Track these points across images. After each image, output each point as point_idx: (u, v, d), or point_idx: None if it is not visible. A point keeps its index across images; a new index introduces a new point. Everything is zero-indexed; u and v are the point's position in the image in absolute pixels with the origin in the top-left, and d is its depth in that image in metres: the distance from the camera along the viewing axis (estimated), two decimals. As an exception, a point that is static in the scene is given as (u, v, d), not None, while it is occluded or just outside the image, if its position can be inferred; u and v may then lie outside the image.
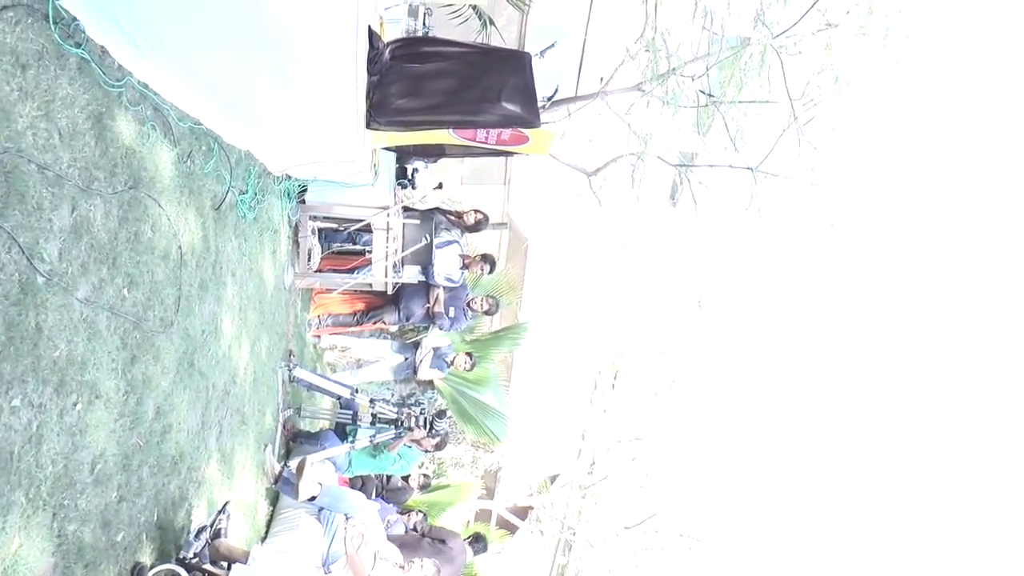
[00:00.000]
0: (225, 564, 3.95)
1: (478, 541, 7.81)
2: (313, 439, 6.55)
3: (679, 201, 13.83)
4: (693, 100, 11.63)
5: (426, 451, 7.36)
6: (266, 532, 5.65)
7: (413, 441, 6.91)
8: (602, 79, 10.42)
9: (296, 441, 6.56)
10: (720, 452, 17.78)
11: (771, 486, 20.13)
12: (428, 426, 6.73)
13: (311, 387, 6.46)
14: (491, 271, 7.64)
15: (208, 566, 3.80)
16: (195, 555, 3.77)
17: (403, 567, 7.58)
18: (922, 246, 21.54)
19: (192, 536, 3.86)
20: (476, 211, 7.59)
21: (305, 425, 6.90)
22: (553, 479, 14.11)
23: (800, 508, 21.20)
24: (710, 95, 11.51)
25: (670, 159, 12.45)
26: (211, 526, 4.08)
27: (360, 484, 7.38)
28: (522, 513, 13.78)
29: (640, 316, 14.84)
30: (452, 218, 7.42)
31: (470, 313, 7.70)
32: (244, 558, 4.10)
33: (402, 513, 8.30)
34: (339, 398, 6.70)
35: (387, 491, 8.18)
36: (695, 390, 16.58)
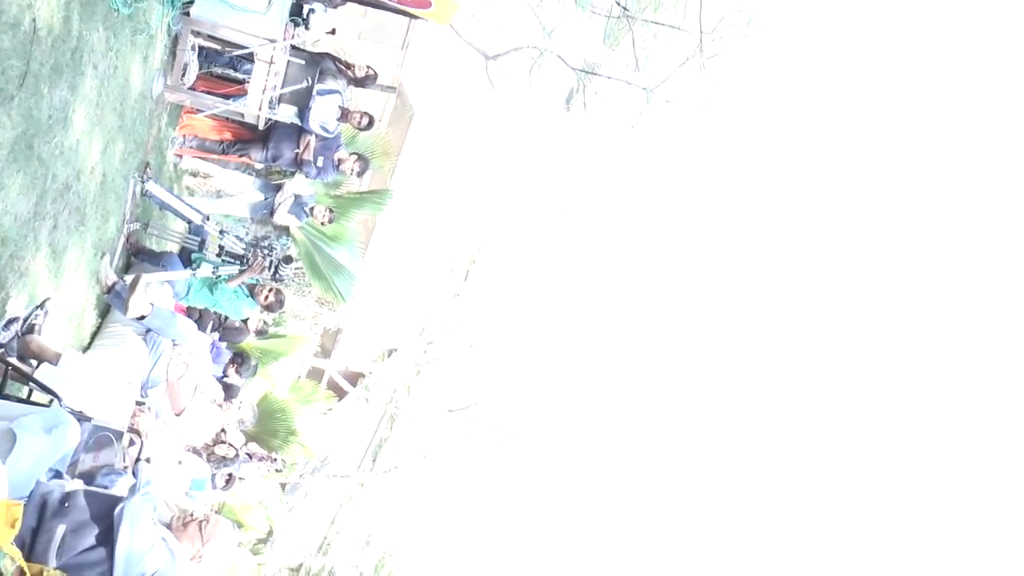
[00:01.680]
0: (34, 363, 3.80)
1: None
2: (155, 259, 6.33)
3: (573, 107, 13.85)
4: (607, 9, 11.57)
5: (261, 306, 7.26)
6: (89, 344, 5.48)
7: (250, 289, 6.83)
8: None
9: (137, 257, 6.32)
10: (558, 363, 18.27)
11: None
12: (273, 270, 6.62)
13: (163, 205, 6.21)
14: (368, 127, 7.46)
15: (13, 359, 3.64)
16: (1, 346, 3.61)
17: (221, 405, 7.56)
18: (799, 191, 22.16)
19: (2, 325, 3.69)
20: (368, 67, 7.38)
21: (150, 243, 6.65)
22: (391, 352, 14.21)
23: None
24: (625, 8, 11.46)
25: (573, 63, 12.43)
26: (25, 320, 3.89)
27: (198, 316, 7.23)
28: (353, 379, 13.86)
29: (510, 212, 14.93)
30: (341, 67, 7.18)
31: (337, 169, 7.54)
32: (55, 359, 3.95)
33: (235, 355, 8.22)
34: (190, 223, 6.48)
35: (224, 329, 8.07)
36: (543, 298, 16.92)
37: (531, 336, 16.63)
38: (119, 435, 4.03)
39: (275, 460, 9.26)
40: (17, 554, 2.92)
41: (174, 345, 5.65)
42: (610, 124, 13.68)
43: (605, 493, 21.88)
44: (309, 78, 6.80)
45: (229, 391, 7.99)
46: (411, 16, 6.91)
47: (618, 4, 11.27)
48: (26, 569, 2.95)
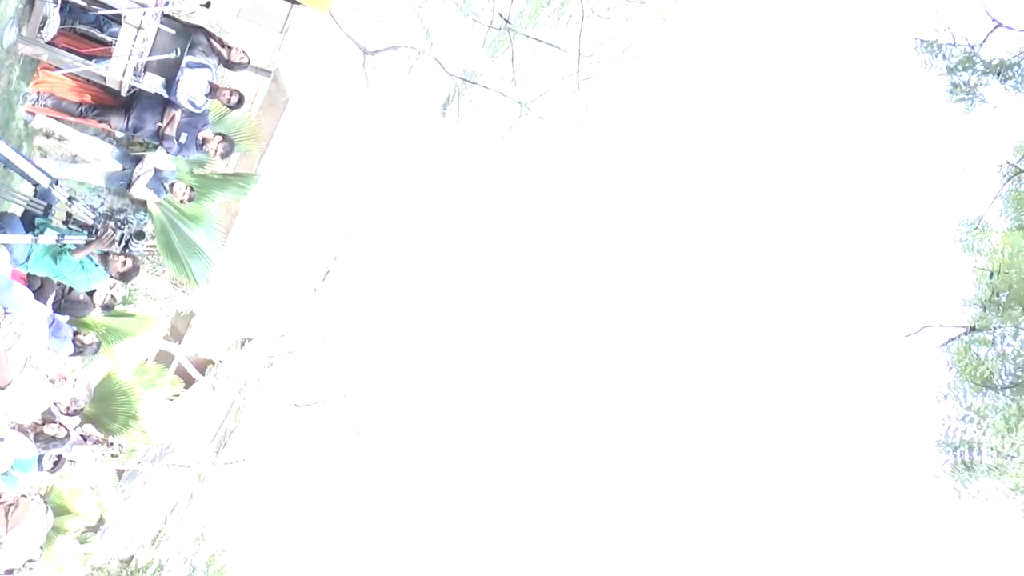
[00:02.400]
0: None
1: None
2: (-11, 220, 6.00)
3: (448, 113, 13.90)
4: (488, 19, 11.70)
5: (112, 276, 6.95)
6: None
7: (103, 260, 6.54)
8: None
9: (-28, 217, 6.00)
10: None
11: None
12: (124, 244, 6.36)
13: (7, 164, 5.88)
14: (238, 105, 7.29)
15: None
16: None
17: (54, 381, 7.22)
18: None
19: None
20: (244, 53, 7.23)
21: (-10, 202, 6.31)
22: (244, 342, 13.90)
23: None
24: (507, 20, 11.61)
25: (452, 69, 12.51)
26: None
27: (39, 286, 6.88)
28: (203, 366, 13.47)
29: (376, 210, 14.85)
30: (214, 43, 7.00)
31: (202, 147, 7.34)
32: None
33: (76, 332, 7.86)
34: (36, 185, 6.16)
35: (66, 301, 7.70)
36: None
37: (385, 336, 16.60)
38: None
39: (111, 444, 8.88)
40: None
41: (5, 313, 5.35)
42: (483, 134, 13.82)
43: (461, 490, 22.00)
44: (179, 49, 6.59)
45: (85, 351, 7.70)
46: (295, 1, 6.82)
47: (500, 16, 11.40)
48: None
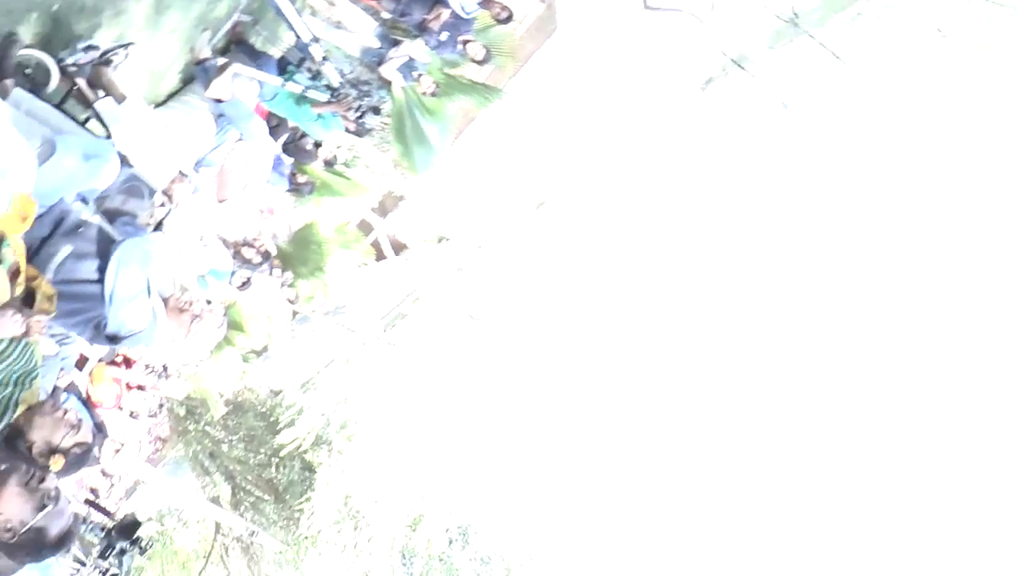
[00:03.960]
0: (101, 93, 3.93)
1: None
2: (253, 56, 6.48)
3: (707, 90, 13.66)
4: (778, 8, 11.37)
5: (347, 130, 7.40)
6: (162, 104, 5.67)
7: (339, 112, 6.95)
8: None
9: (237, 48, 6.49)
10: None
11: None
12: (360, 114, 6.76)
13: (279, 12, 6.33)
14: (505, 21, 7.50)
15: (81, 81, 3.76)
16: (75, 64, 3.72)
17: (263, 211, 7.80)
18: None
19: (82, 47, 3.79)
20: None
21: (255, 40, 6.81)
22: (441, 240, 14.38)
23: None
24: (796, 15, 11.25)
25: (726, 48, 12.24)
26: (105, 52, 3.97)
27: (275, 124, 7.42)
28: (398, 247, 14.08)
29: (605, 160, 14.85)
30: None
31: (459, 49, 7.61)
32: (120, 99, 4.09)
33: (293, 175, 8.45)
34: (299, 37, 6.61)
35: (294, 146, 8.26)
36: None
37: (571, 284, 16.73)
38: (152, 192, 4.23)
39: (292, 287, 9.56)
40: (20, 249, 3.13)
41: (240, 139, 5.82)
42: (735, 121, 13.53)
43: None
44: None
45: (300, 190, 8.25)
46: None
47: (792, 9, 11.06)
48: (22, 267, 3.16)
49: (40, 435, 2.96)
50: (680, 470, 23.45)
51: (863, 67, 11.38)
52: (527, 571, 18.94)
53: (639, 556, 24.41)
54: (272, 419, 14.88)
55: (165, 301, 3.75)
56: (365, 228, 12.91)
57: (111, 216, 3.86)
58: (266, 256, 8.62)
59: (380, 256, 13.41)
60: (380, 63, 7.75)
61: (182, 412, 14.24)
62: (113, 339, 3.46)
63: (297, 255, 10.26)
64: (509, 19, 7.53)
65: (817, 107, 12.59)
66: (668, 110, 14.11)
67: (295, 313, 12.24)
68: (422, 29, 7.38)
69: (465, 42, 7.53)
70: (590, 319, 18.93)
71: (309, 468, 15.18)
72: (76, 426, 3.04)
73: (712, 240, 19.61)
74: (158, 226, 4.49)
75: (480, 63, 7.92)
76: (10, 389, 3.07)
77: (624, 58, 12.58)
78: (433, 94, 8.02)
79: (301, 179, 8.34)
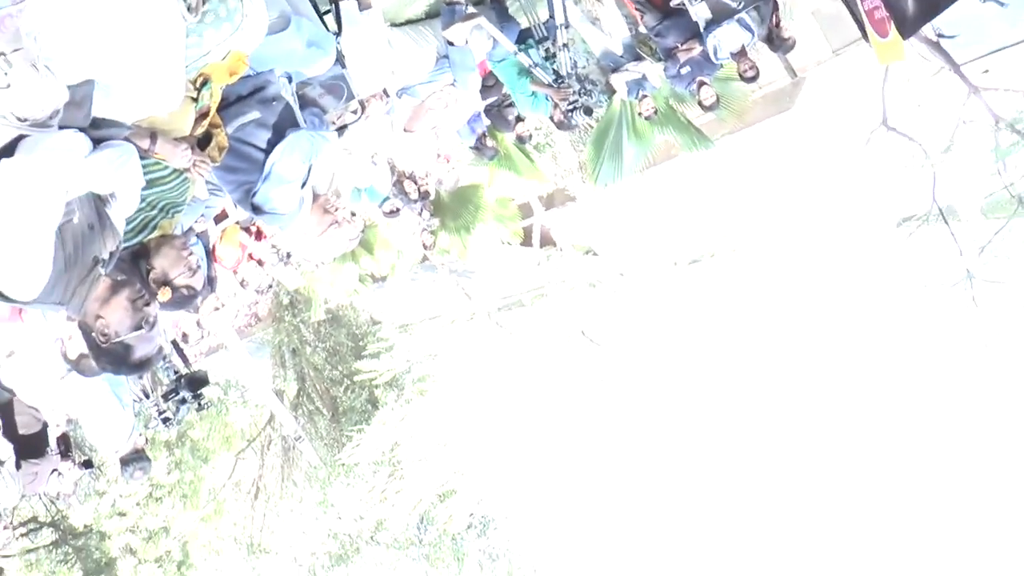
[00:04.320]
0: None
1: None
2: (502, 16, 6.57)
3: (902, 231, 13.17)
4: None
5: (551, 118, 7.41)
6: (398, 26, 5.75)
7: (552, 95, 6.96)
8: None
9: (491, 3, 6.57)
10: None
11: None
12: (572, 107, 6.75)
13: (543, -11, 6.35)
14: (749, 80, 7.35)
15: None
16: None
17: (440, 156, 7.88)
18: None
19: None
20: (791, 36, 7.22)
21: (510, 5, 6.87)
22: (589, 251, 14.31)
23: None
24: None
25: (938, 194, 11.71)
26: None
27: (490, 84, 7.50)
28: (546, 241, 14.07)
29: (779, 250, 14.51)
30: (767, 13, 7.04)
31: (692, 88, 7.50)
32: (364, 6, 4.15)
33: (483, 136, 8.51)
34: (552, 16, 6.60)
35: (498, 111, 8.34)
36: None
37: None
38: (350, 97, 4.30)
39: (433, 234, 9.67)
40: (217, 97, 3.22)
41: (452, 84, 5.88)
42: (924, 275, 13.00)
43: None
44: (741, 2, 6.73)
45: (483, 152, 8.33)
46: (863, 32, 6.65)
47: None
48: (212, 113, 3.26)
49: (161, 264, 3.06)
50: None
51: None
52: (527, 580, 18.92)
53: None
54: (361, 344, 15.15)
55: (315, 197, 3.82)
56: (525, 211, 12.93)
57: (304, 102, 3.96)
58: (423, 196, 8.74)
59: (526, 242, 13.43)
60: (614, 70, 7.73)
61: (285, 301, 14.64)
62: (256, 209, 3.55)
63: (452, 208, 10.38)
64: (753, 79, 7.36)
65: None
66: (856, 230, 13.68)
67: (425, 258, 12.39)
68: (668, 55, 7.30)
69: (701, 83, 7.41)
70: (691, 387, 18.61)
71: (373, 403, 15.41)
72: (194, 270, 3.14)
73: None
74: (341, 129, 4.56)
75: (706, 109, 7.79)
76: (155, 212, 3.18)
77: (838, 162, 12.23)
78: (648, 118, 7.95)
79: (489, 143, 8.40)
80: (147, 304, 2.89)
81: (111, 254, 2.70)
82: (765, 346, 18.61)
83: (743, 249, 14.52)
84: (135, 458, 6.55)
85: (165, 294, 3.06)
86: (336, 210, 4.02)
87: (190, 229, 4.57)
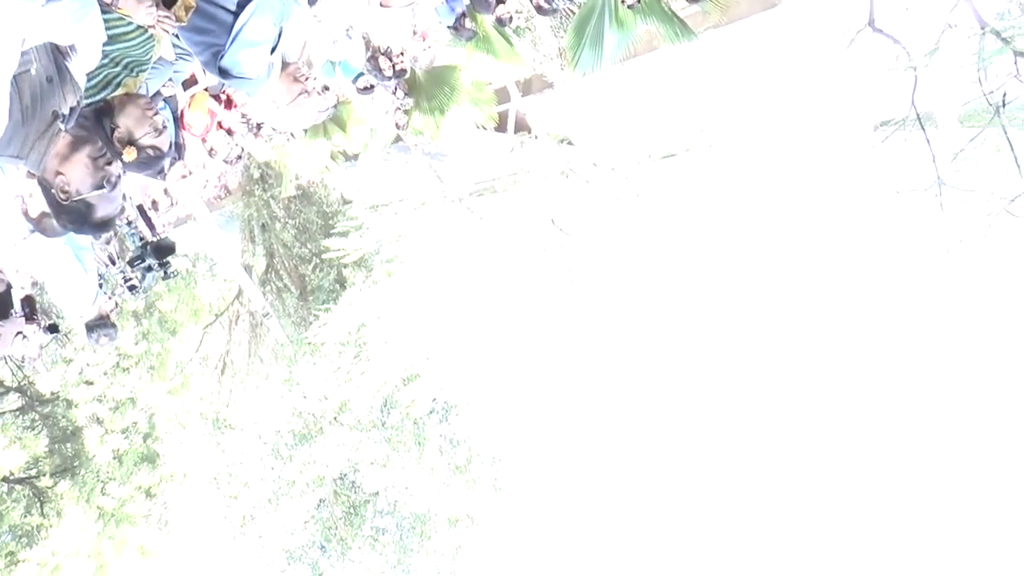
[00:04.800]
0: None
1: None
2: None
3: (878, 133, 13.17)
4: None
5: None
6: None
7: None
8: None
9: None
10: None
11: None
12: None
13: None
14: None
15: None
16: None
17: (416, 33, 7.71)
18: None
19: None
20: None
21: None
22: (564, 140, 14.20)
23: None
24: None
25: (918, 99, 11.67)
26: None
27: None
28: (521, 127, 13.94)
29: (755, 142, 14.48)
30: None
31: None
32: None
33: (463, 16, 8.31)
34: None
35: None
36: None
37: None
38: (326, -36, 4.17)
39: (407, 114, 9.53)
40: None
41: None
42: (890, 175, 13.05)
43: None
44: None
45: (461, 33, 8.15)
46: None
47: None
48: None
49: (125, 122, 3.02)
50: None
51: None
52: (485, 470, 19.33)
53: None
54: (331, 223, 15.10)
55: (285, 65, 3.75)
56: (501, 96, 12.73)
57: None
58: (398, 74, 8.57)
59: (501, 128, 13.28)
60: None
61: (256, 175, 14.49)
62: (224, 73, 3.49)
63: (426, 88, 10.20)
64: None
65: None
66: (834, 132, 13.66)
67: (398, 138, 12.25)
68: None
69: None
70: (658, 280, 18.79)
71: (342, 282, 15.45)
72: (159, 130, 3.10)
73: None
74: (315, -2, 4.44)
75: (691, 1, 7.64)
76: (118, 70, 3.13)
77: (821, 62, 12.12)
78: (631, 7, 7.78)
79: (468, 24, 8.20)
80: (109, 163, 2.86)
81: (71, 109, 2.66)
82: (735, 242, 18.74)
83: (719, 145, 14.47)
84: (100, 324, 6.56)
85: (130, 154, 3.02)
86: (306, 80, 3.95)
87: (157, 93, 4.49)
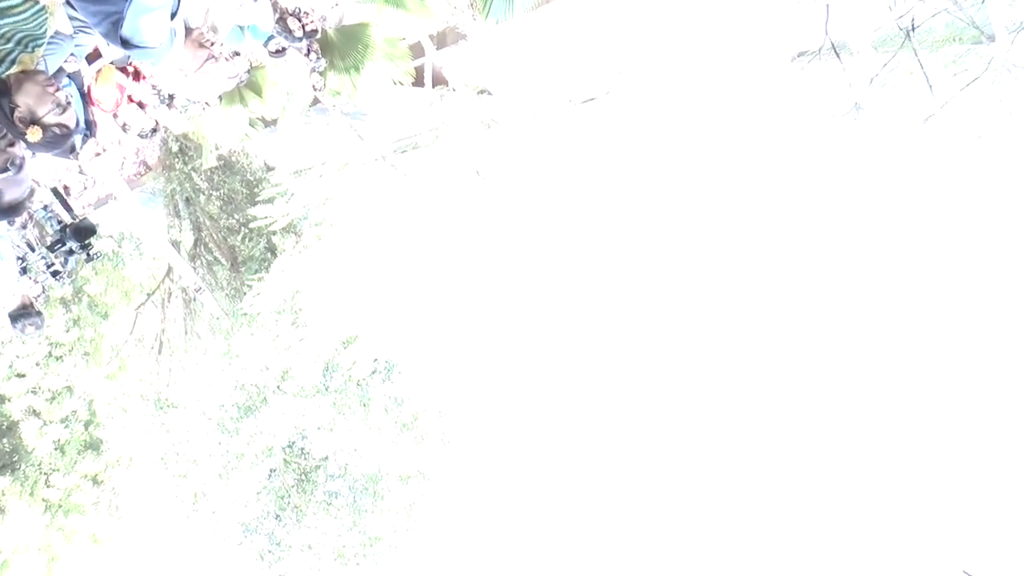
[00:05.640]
0: None
1: None
2: None
3: (796, 63, 13.36)
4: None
5: None
6: None
7: None
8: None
9: None
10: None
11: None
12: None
13: None
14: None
15: None
16: None
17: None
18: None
19: None
20: None
21: None
22: (483, 91, 14.13)
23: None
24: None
25: (829, 27, 11.88)
26: None
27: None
28: (438, 81, 13.83)
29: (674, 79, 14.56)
30: None
31: None
32: None
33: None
34: None
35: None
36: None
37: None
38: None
39: (322, 75, 9.43)
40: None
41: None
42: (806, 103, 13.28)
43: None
44: None
45: None
46: None
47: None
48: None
49: (25, 101, 2.96)
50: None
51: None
52: (432, 425, 19.47)
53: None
54: (256, 191, 14.91)
55: (189, 31, 3.71)
56: (416, 51, 12.61)
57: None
58: (309, 35, 8.47)
59: (419, 83, 13.18)
60: None
61: (175, 148, 14.22)
62: (125, 43, 3.42)
63: (340, 47, 10.09)
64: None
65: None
66: (751, 65, 13.81)
67: (316, 100, 12.11)
68: None
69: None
70: (584, 225, 18.94)
71: (272, 250, 15.31)
72: (63, 106, 3.04)
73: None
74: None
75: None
76: (10, 46, 3.06)
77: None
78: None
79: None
80: (11, 144, 2.81)
81: (-39, 91, 2.62)
82: (662, 182, 18.93)
83: (638, 86, 14.53)
84: (23, 313, 6.45)
85: (35, 134, 2.98)
86: (212, 45, 3.92)
87: (60, 69, 4.42)
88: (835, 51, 12.28)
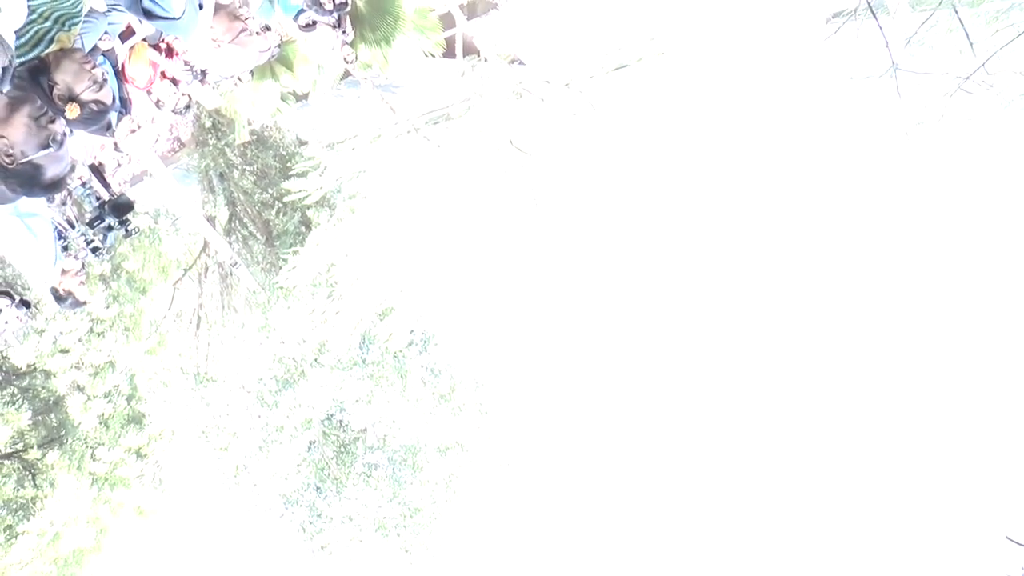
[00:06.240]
0: None
1: None
2: None
3: (830, 25, 13.13)
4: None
5: None
6: None
7: None
8: None
9: None
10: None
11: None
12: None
13: None
14: None
15: None
16: None
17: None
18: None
19: None
20: None
21: None
22: (515, 61, 14.03)
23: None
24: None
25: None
26: None
27: None
28: (470, 51, 13.76)
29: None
30: None
31: None
32: None
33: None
34: None
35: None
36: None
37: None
38: None
39: (353, 48, 9.38)
40: None
41: None
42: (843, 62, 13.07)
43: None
44: None
45: None
46: None
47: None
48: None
49: (63, 78, 2.98)
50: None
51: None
52: (469, 396, 19.54)
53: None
54: (288, 165, 14.95)
55: (221, 6, 3.70)
56: (447, 22, 12.55)
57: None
58: (339, 7, 8.42)
59: (449, 53, 13.11)
60: None
61: (208, 124, 14.28)
62: (148, 14, 3.42)
63: (370, 20, 10.05)
64: None
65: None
66: (787, 27, 13.61)
67: (347, 74, 12.08)
68: None
69: None
70: (620, 192, 18.82)
71: (307, 224, 15.38)
72: (100, 83, 3.05)
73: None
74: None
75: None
76: (48, 24, 3.08)
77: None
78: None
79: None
80: (52, 121, 2.83)
81: (4, 70, 2.63)
82: (697, 148, 18.74)
83: (671, 52, 14.35)
84: (66, 299, 6.51)
85: (73, 110, 2.99)
86: (245, 19, 3.91)
87: (95, 47, 4.41)
88: (871, 10, 12.05)
